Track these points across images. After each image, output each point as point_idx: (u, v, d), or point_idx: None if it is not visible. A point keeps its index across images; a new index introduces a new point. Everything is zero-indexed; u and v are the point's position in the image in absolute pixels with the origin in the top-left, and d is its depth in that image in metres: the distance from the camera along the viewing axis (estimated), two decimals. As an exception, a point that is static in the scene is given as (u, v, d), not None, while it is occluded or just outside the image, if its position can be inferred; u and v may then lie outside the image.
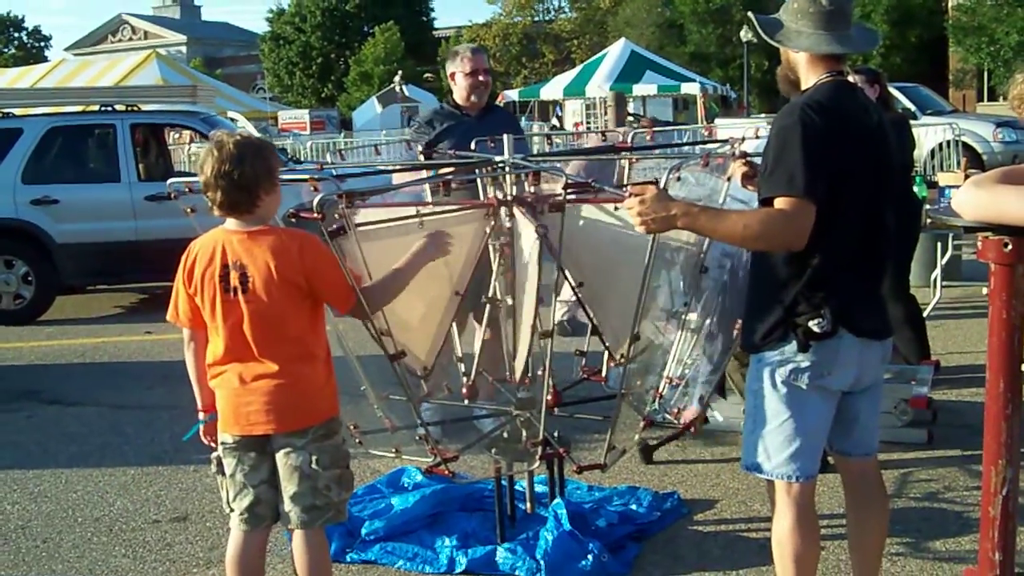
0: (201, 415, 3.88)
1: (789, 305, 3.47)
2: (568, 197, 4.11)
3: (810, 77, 3.58)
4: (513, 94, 37.59)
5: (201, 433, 3.90)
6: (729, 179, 4.45)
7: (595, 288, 4.52)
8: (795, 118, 3.40)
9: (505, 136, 4.78)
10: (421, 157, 6.08)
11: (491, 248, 4.65)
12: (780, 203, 3.34)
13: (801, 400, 3.54)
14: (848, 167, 3.42)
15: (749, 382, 3.69)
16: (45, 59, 62.18)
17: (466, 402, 4.98)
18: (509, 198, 4.51)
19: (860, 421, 3.72)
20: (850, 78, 3.78)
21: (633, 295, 4.00)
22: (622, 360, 4.46)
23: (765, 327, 3.54)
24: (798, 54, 3.61)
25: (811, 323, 3.44)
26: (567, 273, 4.39)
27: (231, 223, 3.65)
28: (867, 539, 3.84)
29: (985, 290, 2.52)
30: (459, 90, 6.46)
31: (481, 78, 6.42)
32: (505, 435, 4.76)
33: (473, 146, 5.79)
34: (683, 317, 4.67)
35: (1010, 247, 2.63)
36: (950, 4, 42.64)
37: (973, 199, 2.70)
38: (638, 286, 3.93)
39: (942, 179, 11.66)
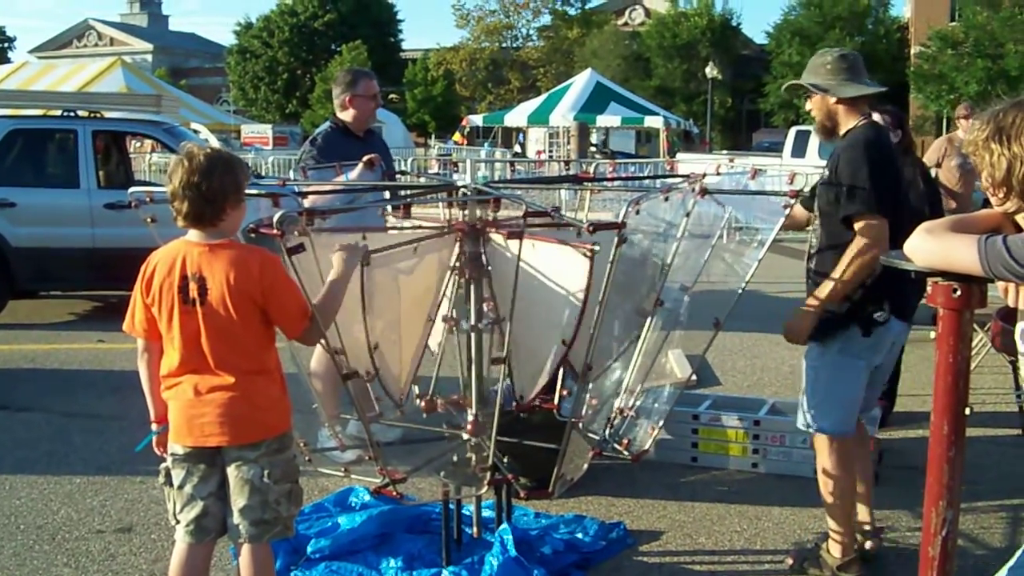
0: (154, 426, 3.86)
1: (860, 300, 4.39)
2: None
3: (849, 121, 4.51)
4: (477, 119, 37.60)
5: (154, 444, 3.88)
6: (688, 215, 4.51)
7: (511, 326, 4.39)
8: (859, 150, 4.36)
9: (468, 160, 4.85)
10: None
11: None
12: (862, 222, 4.28)
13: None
14: (897, 189, 4.48)
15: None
16: (8, 60, 61.57)
17: (424, 416, 4.97)
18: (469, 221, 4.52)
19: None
20: (875, 116, 4.70)
21: (543, 340, 4.04)
22: (523, 402, 4.53)
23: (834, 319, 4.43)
24: (836, 104, 4.49)
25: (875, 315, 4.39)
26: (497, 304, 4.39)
27: (193, 235, 3.65)
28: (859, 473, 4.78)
29: (933, 334, 2.58)
30: (358, 113, 6.63)
31: (372, 104, 6.69)
32: (455, 459, 4.76)
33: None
34: (635, 349, 4.71)
35: (959, 293, 2.68)
36: (912, 52, 43.27)
37: (924, 245, 2.76)
38: (548, 332, 3.97)
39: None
